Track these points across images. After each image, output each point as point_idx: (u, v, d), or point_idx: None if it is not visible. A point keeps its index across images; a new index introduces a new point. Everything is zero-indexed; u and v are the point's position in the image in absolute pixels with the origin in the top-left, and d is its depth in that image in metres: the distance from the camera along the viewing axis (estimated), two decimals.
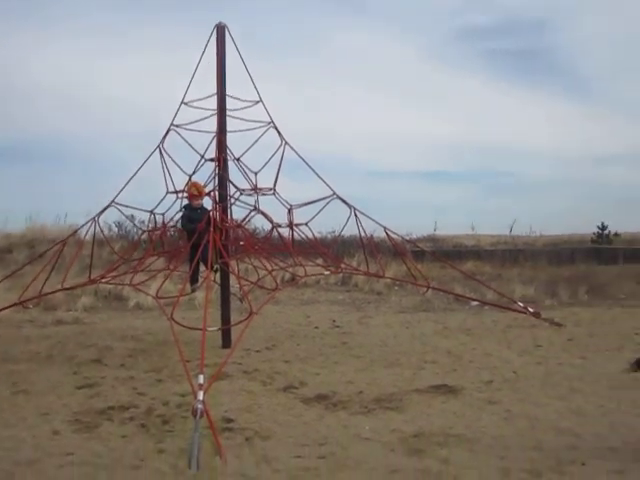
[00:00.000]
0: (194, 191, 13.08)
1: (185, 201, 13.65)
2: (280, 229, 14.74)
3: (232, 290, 14.31)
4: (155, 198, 14.54)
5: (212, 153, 13.84)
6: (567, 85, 65.80)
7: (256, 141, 14.54)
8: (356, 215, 14.16)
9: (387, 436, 7.80)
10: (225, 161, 13.80)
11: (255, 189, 14.33)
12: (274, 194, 14.44)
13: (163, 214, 14.55)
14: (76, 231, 17.05)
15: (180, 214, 13.76)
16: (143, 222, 18.62)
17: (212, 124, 14.02)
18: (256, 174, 14.49)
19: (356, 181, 50.22)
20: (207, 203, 13.41)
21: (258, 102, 14.49)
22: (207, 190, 13.55)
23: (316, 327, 16.52)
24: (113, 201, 14.08)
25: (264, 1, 56.82)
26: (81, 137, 57.01)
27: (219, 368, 9.38)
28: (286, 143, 14.41)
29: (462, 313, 18.73)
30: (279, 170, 14.46)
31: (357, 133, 57.45)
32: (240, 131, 14.45)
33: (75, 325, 17.20)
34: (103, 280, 13.97)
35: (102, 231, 15.88)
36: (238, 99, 14.35)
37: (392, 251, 21.18)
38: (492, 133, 58.96)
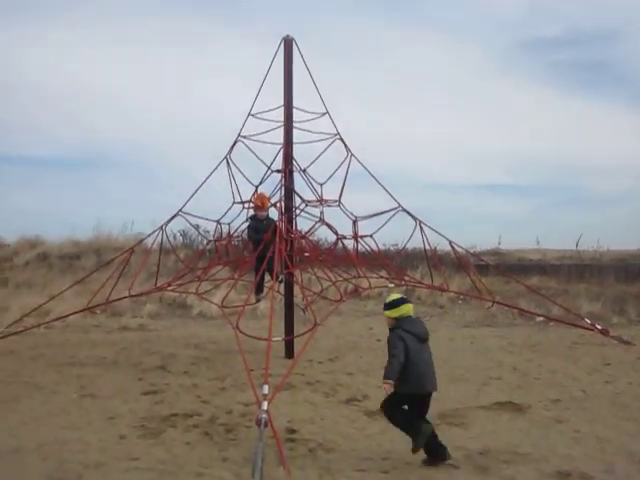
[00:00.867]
0: (258, 202, 13.19)
1: (251, 212, 13.77)
2: (345, 240, 14.74)
3: (295, 300, 14.35)
4: (219, 208, 14.72)
5: (279, 164, 13.95)
6: (637, 97, 64.21)
7: (322, 153, 14.60)
8: (421, 228, 14.07)
9: (452, 452, 7.66)
10: (291, 172, 13.89)
11: (320, 200, 14.37)
12: (339, 206, 14.46)
13: (229, 224, 14.72)
14: (143, 239, 17.36)
15: (246, 224, 13.88)
16: (208, 231, 18.88)
17: (279, 136, 14.14)
18: (322, 185, 14.54)
19: (417, 193, 49.87)
20: (273, 214, 13.52)
21: (325, 114, 14.55)
22: (273, 201, 13.66)
23: (378, 340, 16.37)
24: (180, 210, 14.28)
25: (328, 13, 57.04)
26: (147, 147, 58.10)
27: (283, 379, 9.39)
28: (352, 155, 14.41)
29: (527, 328, 18.43)
30: (345, 182, 14.49)
31: (420, 145, 57.09)
32: (306, 143, 14.52)
33: (140, 332, 17.53)
34: (169, 288, 14.16)
35: (169, 240, 16.11)
36: (305, 111, 14.45)
37: (455, 264, 20.97)
38: (558, 146, 57.89)
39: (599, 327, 14.79)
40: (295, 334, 13.47)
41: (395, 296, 7.59)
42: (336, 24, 56.46)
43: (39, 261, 25.39)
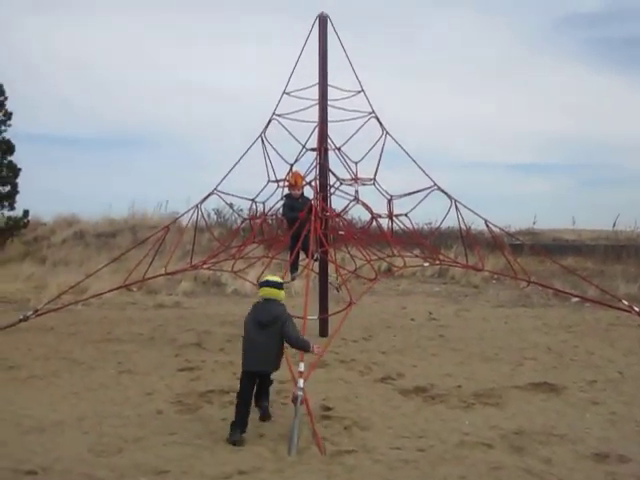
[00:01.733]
0: (292, 181, 13.22)
1: (286, 190, 13.77)
2: (379, 219, 14.69)
3: (330, 279, 14.36)
4: (254, 187, 14.74)
5: (313, 143, 13.90)
6: None
7: (357, 131, 14.51)
8: (457, 207, 13.96)
9: (487, 432, 7.69)
10: (326, 151, 13.84)
11: (355, 179, 14.32)
12: (374, 184, 14.40)
13: (264, 202, 14.75)
14: (178, 217, 17.52)
15: (281, 203, 13.89)
16: (242, 210, 18.96)
17: (313, 114, 14.08)
18: (356, 164, 14.48)
19: (451, 172, 49.55)
20: (308, 193, 13.50)
21: (360, 92, 14.44)
22: (308, 180, 13.64)
23: (412, 319, 16.43)
24: (216, 189, 14.34)
25: None
26: (182, 126, 58.37)
27: (318, 357, 9.40)
28: (387, 133, 14.33)
29: (562, 309, 18.29)
30: (379, 160, 14.41)
31: (454, 124, 56.63)
32: (341, 121, 14.43)
33: (175, 309, 17.71)
34: (204, 266, 14.25)
35: (204, 218, 16.19)
36: (339, 89, 14.34)
37: (489, 244, 20.83)
38: (595, 124, 57.11)
39: (636, 309, 14.58)
40: (329, 312, 13.51)
41: (264, 278, 8.07)
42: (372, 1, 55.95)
43: (75, 239, 25.74)
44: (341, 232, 14.65)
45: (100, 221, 27.83)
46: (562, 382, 10.08)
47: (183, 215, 16.31)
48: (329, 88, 14.15)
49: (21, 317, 13.74)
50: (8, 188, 23.56)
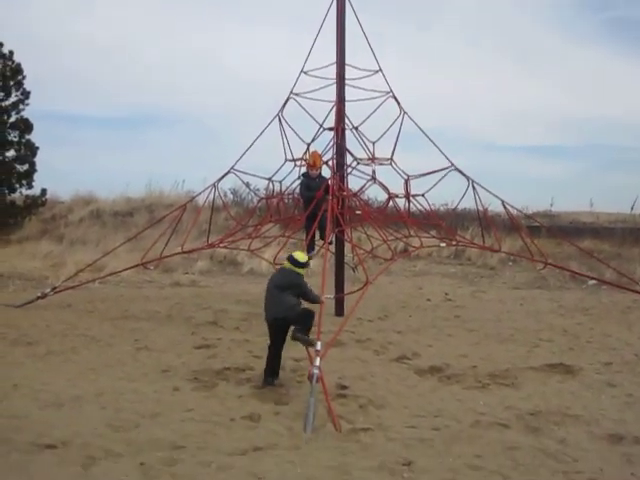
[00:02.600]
0: (310, 161, 13.19)
1: (303, 169, 13.75)
2: (396, 200, 14.65)
3: (345, 259, 14.37)
4: (270, 166, 14.71)
5: (331, 122, 13.86)
6: None
7: (375, 110, 14.44)
8: (474, 187, 13.90)
9: (502, 412, 7.70)
10: (343, 130, 13.80)
11: (372, 159, 14.28)
12: (391, 164, 14.35)
13: (280, 182, 14.75)
14: (195, 196, 17.55)
15: (298, 182, 13.89)
16: (258, 189, 18.96)
17: (331, 93, 14.03)
18: (374, 144, 14.43)
19: (469, 153, 49.23)
20: (326, 172, 13.48)
21: (377, 71, 14.37)
22: (325, 159, 13.61)
23: (428, 299, 16.44)
24: (233, 167, 14.34)
25: None
26: (199, 105, 58.31)
27: (334, 335, 9.47)
28: (405, 113, 14.25)
29: (578, 292, 18.23)
30: (397, 140, 14.36)
31: (473, 105, 56.18)
32: (359, 100, 14.37)
33: (192, 287, 17.79)
34: (221, 245, 14.29)
35: (221, 197, 16.22)
36: (357, 68, 14.29)
37: (507, 226, 20.74)
38: (614, 106, 56.43)
39: None
40: (345, 292, 13.52)
41: (292, 253, 9.00)
42: None
43: (93, 218, 25.83)
44: (358, 212, 14.62)
45: (117, 199, 27.91)
46: (578, 364, 10.07)
47: (200, 194, 16.38)
48: (347, 67, 14.10)
49: (39, 294, 13.88)
50: (26, 167, 23.61)
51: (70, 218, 25.72)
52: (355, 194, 14.61)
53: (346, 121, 13.96)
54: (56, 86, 53.04)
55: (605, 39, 62.69)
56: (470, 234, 21.85)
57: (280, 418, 7.41)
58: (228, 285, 18.28)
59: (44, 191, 24.72)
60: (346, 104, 14.05)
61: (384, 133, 14.45)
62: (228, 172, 14.44)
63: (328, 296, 10.63)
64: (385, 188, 14.55)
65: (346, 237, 13.64)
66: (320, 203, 12.24)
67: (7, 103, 23.30)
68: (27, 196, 23.98)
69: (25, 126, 23.48)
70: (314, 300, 8.82)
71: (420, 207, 14.63)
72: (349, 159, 14.08)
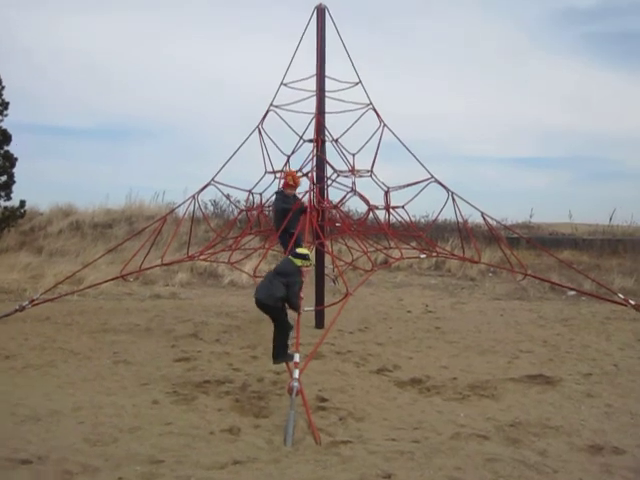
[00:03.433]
0: (290, 181, 12.84)
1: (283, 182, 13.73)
2: (376, 211, 14.68)
3: (325, 271, 14.35)
4: (250, 178, 14.70)
5: (311, 134, 13.87)
6: None
7: (355, 122, 14.49)
8: (454, 199, 13.94)
9: (482, 424, 7.70)
10: (323, 142, 13.81)
11: (352, 171, 14.30)
12: (371, 176, 14.38)
13: (261, 193, 14.73)
14: (175, 208, 17.49)
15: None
16: (239, 201, 18.95)
17: (311, 105, 14.06)
18: (354, 155, 14.45)
19: (448, 165, 49.55)
20: (305, 184, 13.45)
21: (357, 84, 14.42)
22: (305, 171, 13.62)
23: (409, 311, 16.45)
24: (213, 179, 14.30)
25: None
26: (179, 118, 58.26)
27: (315, 348, 9.46)
28: (385, 125, 14.30)
29: (558, 303, 18.31)
30: (377, 152, 14.38)
31: (452, 117, 56.56)
32: (339, 112, 14.40)
33: (172, 300, 17.68)
34: (201, 257, 14.25)
35: (201, 209, 16.17)
36: (337, 80, 14.32)
37: (486, 237, 20.86)
38: (593, 119, 57.07)
39: (632, 302, 14.60)
40: (325, 304, 13.50)
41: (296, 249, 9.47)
42: None
43: (72, 230, 25.68)
44: (338, 224, 14.63)
45: (97, 211, 27.77)
46: (558, 375, 10.11)
47: (180, 206, 16.31)
48: (327, 80, 14.13)
49: (17, 307, 13.72)
50: (5, 178, 23.40)
51: (49, 230, 25.55)
52: (335, 206, 14.61)
53: (326, 133, 13.97)
54: (37, 97, 52.78)
55: (590, 52, 63.44)
56: (450, 245, 21.95)
57: (260, 431, 7.37)
58: (208, 297, 18.20)
59: (23, 203, 24.48)
60: (326, 116, 14.07)
61: (364, 145, 14.48)
62: (208, 184, 14.39)
63: (307, 308, 10.61)
64: (365, 200, 14.57)
65: (326, 248, 13.63)
66: (293, 223, 12.15)
67: None
68: (5, 208, 23.74)
69: (4, 137, 23.28)
70: (295, 303, 8.79)
71: (400, 219, 14.67)
72: (329, 171, 14.09)
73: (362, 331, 13.71)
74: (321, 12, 14.12)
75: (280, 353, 8.75)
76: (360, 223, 16.19)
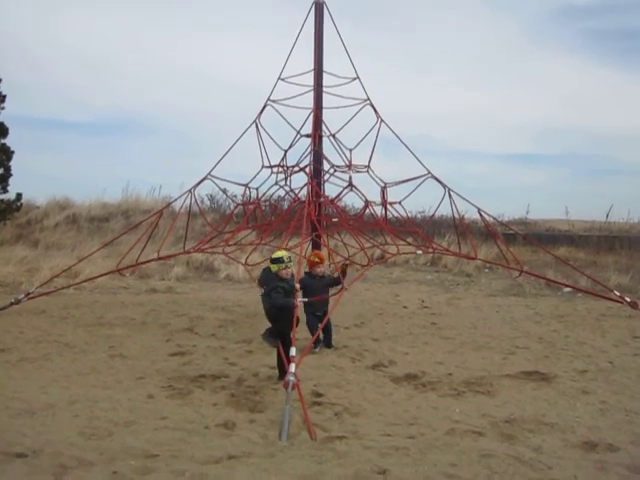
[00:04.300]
0: (313, 258, 11.79)
1: (281, 175, 13.75)
2: (373, 207, 14.67)
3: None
4: (247, 172, 14.70)
5: (308, 129, 13.87)
6: None
7: (352, 118, 14.49)
8: (450, 195, 13.95)
9: (478, 420, 7.69)
10: (320, 137, 13.80)
11: (349, 166, 14.29)
12: (368, 171, 14.38)
13: (257, 188, 14.73)
14: (172, 202, 17.47)
15: (274, 189, 13.85)
16: (235, 196, 18.94)
17: (309, 100, 14.04)
18: (351, 151, 14.46)
19: (445, 161, 49.60)
20: (302, 179, 13.47)
21: (355, 79, 14.41)
22: (302, 165, 13.62)
23: (405, 306, 16.45)
24: (209, 174, 14.28)
25: None
26: (175, 110, 58.17)
27: (310, 342, 9.46)
28: (382, 121, 14.29)
29: (554, 299, 18.33)
30: (374, 148, 14.39)
31: (450, 114, 56.54)
32: (336, 108, 14.40)
33: (168, 294, 17.68)
34: (197, 249, 14.23)
35: (197, 203, 16.15)
36: (335, 75, 14.33)
37: (483, 233, 20.85)
38: (590, 115, 57.12)
39: (628, 299, 14.60)
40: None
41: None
42: None
43: (68, 223, 25.67)
44: (335, 219, 14.63)
45: (93, 205, 27.74)
46: (553, 371, 10.10)
47: (176, 200, 16.30)
48: (325, 75, 14.12)
49: (13, 300, 13.71)
50: (1, 171, 23.35)
51: (46, 223, 25.53)
52: (332, 201, 14.60)
53: (323, 128, 13.96)
54: (34, 91, 52.65)
55: (587, 49, 63.43)
56: (447, 241, 22.00)
57: (255, 426, 7.35)
58: (204, 291, 18.19)
59: (19, 195, 24.45)
60: (323, 111, 14.06)
61: (361, 140, 14.51)
62: (205, 178, 14.38)
63: (303, 299, 10.57)
64: (362, 195, 14.57)
65: (323, 243, 13.62)
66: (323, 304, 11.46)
67: None
68: (2, 200, 23.69)
69: (0, 130, 23.21)
70: (282, 304, 8.89)
71: (397, 214, 14.66)
72: (326, 166, 14.08)
73: (358, 326, 13.71)
74: (319, 8, 14.10)
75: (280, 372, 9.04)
76: (357, 218, 16.19)
